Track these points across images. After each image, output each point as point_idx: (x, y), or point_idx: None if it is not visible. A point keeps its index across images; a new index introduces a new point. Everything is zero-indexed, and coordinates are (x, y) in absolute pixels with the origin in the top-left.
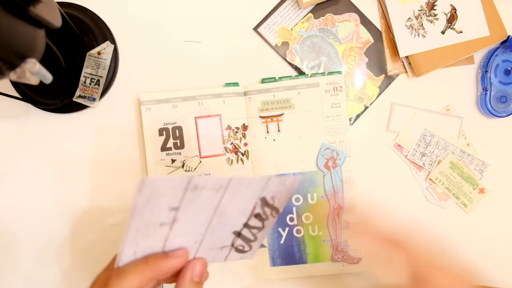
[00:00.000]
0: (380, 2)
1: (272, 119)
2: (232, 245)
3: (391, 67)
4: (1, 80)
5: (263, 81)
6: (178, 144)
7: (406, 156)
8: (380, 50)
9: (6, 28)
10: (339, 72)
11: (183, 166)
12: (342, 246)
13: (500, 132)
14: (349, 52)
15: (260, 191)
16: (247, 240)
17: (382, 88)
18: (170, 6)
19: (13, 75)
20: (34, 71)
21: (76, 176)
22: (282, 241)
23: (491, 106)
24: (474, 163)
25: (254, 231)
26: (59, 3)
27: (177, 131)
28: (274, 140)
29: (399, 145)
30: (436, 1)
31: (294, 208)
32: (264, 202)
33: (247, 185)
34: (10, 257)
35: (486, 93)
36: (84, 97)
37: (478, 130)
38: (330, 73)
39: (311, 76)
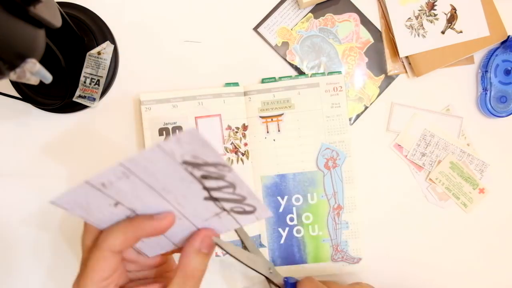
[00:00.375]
0: (380, 2)
1: (272, 119)
2: (224, 209)
3: (391, 67)
4: (1, 80)
5: (263, 81)
6: None
7: (406, 156)
8: (380, 50)
9: (6, 28)
10: (339, 72)
11: None
12: (342, 246)
13: (500, 132)
14: (349, 52)
15: (170, 158)
16: (236, 201)
17: (382, 88)
18: (170, 6)
19: (13, 75)
20: (34, 71)
21: (76, 176)
22: (282, 241)
23: (491, 106)
24: (474, 163)
25: (228, 190)
26: (59, 3)
27: (177, 131)
28: (274, 140)
29: (399, 145)
30: (436, 1)
31: (294, 208)
32: (191, 164)
33: (150, 161)
34: (10, 257)
35: (486, 93)
36: (84, 97)
37: (478, 130)
38: (330, 73)
39: (311, 76)
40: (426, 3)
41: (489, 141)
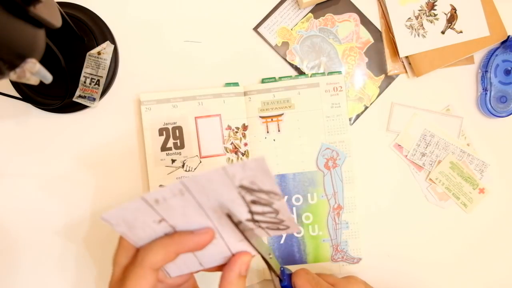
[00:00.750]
0: (380, 2)
1: (272, 119)
2: (259, 227)
3: (391, 67)
4: (1, 80)
5: (263, 81)
6: (178, 144)
7: (406, 156)
8: (380, 50)
9: (6, 28)
10: (339, 72)
11: (183, 166)
12: (342, 246)
13: (500, 132)
14: (349, 52)
15: (230, 181)
16: (275, 223)
17: (382, 88)
18: (170, 6)
19: (13, 75)
20: (34, 71)
21: (76, 176)
22: (282, 241)
23: (491, 106)
24: (474, 163)
25: (271, 215)
26: (59, 3)
27: (177, 131)
28: (274, 140)
29: (399, 145)
30: (436, 1)
31: (294, 208)
32: (246, 188)
33: (209, 181)
34: (10, 257)
35: (486, 93)
36: (84, 97)
37: (478, 130)
38: (330, 73)
39: (311, 76)
40: (426, 3)
41: (489, 141)
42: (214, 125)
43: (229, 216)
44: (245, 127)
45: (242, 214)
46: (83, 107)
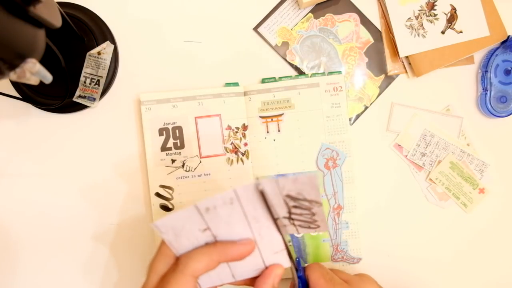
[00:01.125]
0: (380, 2)
1: (272, 119)
2: (294, 225)
3: (391, 67)
4: (1, 80)
5: (263, 81)
6: (178, 144)
7: (406, 156)
8: (380, 50)
9: (6, 28)
10: (339, 72)
11: (183, 166)
12: (342, 246)
13: (500, 132)
14: (349, 52)
15: (278, 192)
16: (308, 222)
17: (382, 88)
18: (170, 6)
19: (13, 75)
20: (34, 71)
21: (76, 176)
22: None
23: (491, 106)
24: (474, 163)
25: (307, 217)
26: (59, 3)
27: (177, 131)
28: (274, 140)
29: (399, 145)
30: (436, 1)
31: None
32: (292, 198)
33: (258, 191)
34: (10, 257)
35: (486, 93)
36: (84, 97)
37: (478, 130)
38: (330, 73)
39: (311, 76)
40: (426, 3)
41: (489, 141)
42: (214, 125)
43: (269, 210)
44: (245, 127)
45: (281, 213)
46: (83, 107)
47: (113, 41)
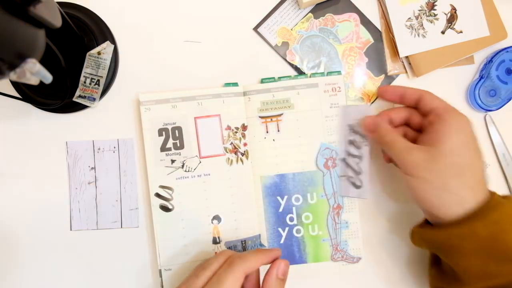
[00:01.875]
0: (380, 2)
1: (271, 119)
2: (347, 176)
3: (391, 67)
4: (1, 80)
5: (263, 81)
6: (178, 145)
7: None
8: (380, 50)
9: (6, 28)
10: (339, 72)
11: (183, 166)
12: (342, 245)
13: (500, 132)
14: (349, 52)
15: (345, 119)
16: (355, 172)
17: None
18: (170, 6)
19: (13, 75)
20: (34, 71)
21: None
22: (282, 241)
23: (479, 97)
24: None
25: (356, 160)
26: (59, 3)
27: (176, 131)
28: (273, 140)
29: None
30: (436, 1)
31: (294, 208)
32: (352, 129)
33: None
34: (10, 257)
35: (479, 80)
36: (84, 97)
37: (478, 129)
38: (330, 73)
39: (310, 76)
40: (426, 3)
41: (489, 141)
42: (214, 125)
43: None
44: (244, 127)
45: (340, 152)
46: (83, 107)
47: (113, 41)
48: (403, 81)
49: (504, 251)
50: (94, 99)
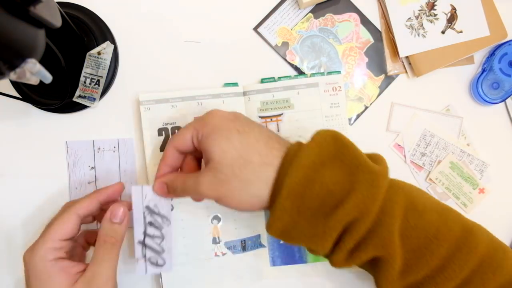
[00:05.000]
0: (380, 2)
1: (271, 119)
2: (145, 257)
3: (391, 67)
4: (1, 80)
5: (262, 81)
6: None
7: (406, 156)
8: (380, 50)
9: (6, 28)
10: (338, 72)
11: None
12: None
13: (500, 132)
14: (349, 52)
15: (142, 200)
16: (156, 252)
17: (382, 88)
18: (170, 6)
19: (13, 75)
20: (34, 71)
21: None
22: (282, 241)
23: (482, 90)
24: (474, 163)
25: (157, 240)
26: (59, 3)
27: (176, 131)
28: None
29: (399, 145)
30: (436, 1)
31: None
32: (150, 210)
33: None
34: (9, 257)
35: (482, 74)
36: (84, 97)
37: (478, 130)
38: (329, 73)
39: (310, 76)
40: (426, 3)
41: (489, 141)
42: None
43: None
44: None
45: (138, 235)
46: (83, 107)
47: (113, 41)
48: (403, 81)
49: (316, 196)
50: (94, 99)
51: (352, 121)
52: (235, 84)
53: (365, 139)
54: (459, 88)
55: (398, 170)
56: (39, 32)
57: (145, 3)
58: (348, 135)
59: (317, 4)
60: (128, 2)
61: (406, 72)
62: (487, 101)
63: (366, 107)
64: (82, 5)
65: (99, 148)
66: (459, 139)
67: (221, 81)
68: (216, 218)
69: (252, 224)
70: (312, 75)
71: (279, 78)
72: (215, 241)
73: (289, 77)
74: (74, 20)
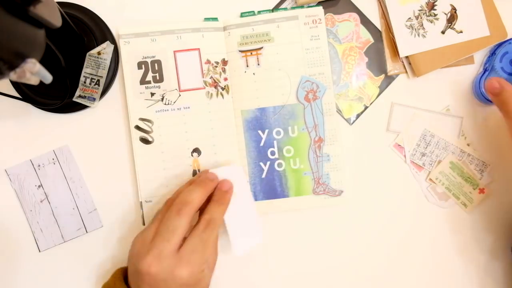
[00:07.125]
0: (380, 2)
1: (251, 53)
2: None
3: (391, 67)
4: (1, 80)
5: (242, 15)
6: (157, 78)
7: (406, 156)
8: (380, 50)
9: (6, 28)
10: (319, 5)
11: (162, 99)
12: (324, 179)
13: (500, 132)
14: (349, 52)
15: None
16: (247, 228)
17: (382, 88)
18: (170, 7)
19: (13, 75)
20: (34, 71)
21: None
22: (263, 175)
23: (485, 90)
24: (474, 163)
25: (243, 217)
26: (59, 3)
27: (156, 64)
28: (253, 74)
29: (399, 145)
30: (436, 1)
31: (275, 142)
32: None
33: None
34: (9, 257)
35: (484, 73)
36: (84, 97)
37: (478, 130)
38: (310, 6)
39: (290, 9)
40: (426, 3)
41: (489, 141)
42: (193, 59)
43: None
44: (224, 62)
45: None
46: (83, 107)
47: (113, 41)
48: (403, 81)
49: None
50: (94, 99)
51: (352, 121)
52: (215, 19)
53: (365, 139)
54: (459, 88)
55: (398, 170)
56: (39, 32)
57: (145, 3)
58: (348, 135)
59: (317, 4)
60: (128, 2)
61: (406, 72)
62: (489, 101)
63: (366, 107)
64: (82, 5)
65: (38, 165)
66: (459, 139)
67: (201, 15)
68: (196, 151)
69: (233, 159)
70: (292, 8)
71: (259, 12)
72: (195, 173)
73: (269, 10)
74: (74, 20)
